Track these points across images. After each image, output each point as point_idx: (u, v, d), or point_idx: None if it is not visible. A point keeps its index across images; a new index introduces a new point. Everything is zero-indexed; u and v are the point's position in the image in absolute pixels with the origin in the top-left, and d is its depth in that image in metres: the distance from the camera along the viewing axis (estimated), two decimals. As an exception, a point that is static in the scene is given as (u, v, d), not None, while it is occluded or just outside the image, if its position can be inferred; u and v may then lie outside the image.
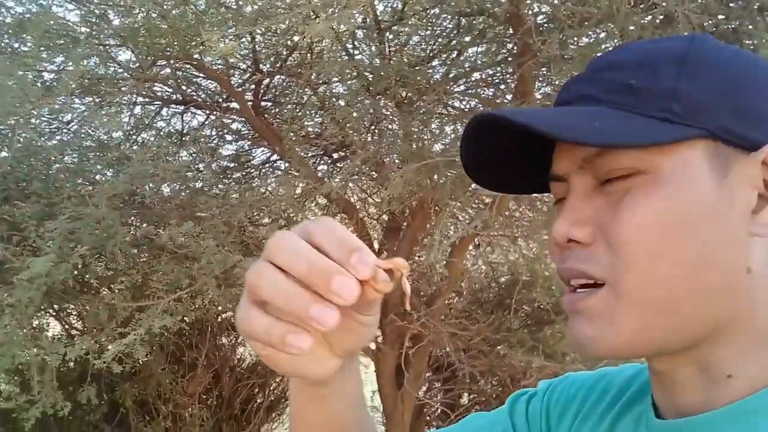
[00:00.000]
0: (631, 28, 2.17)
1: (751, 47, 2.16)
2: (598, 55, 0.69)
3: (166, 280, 3.15)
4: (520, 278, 4.83)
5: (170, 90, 4.35)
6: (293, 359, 0.57)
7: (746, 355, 0.58)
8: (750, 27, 2.32)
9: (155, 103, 4.43)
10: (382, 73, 3.30)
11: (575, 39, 2.50)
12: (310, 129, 4.41)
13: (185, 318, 3.34)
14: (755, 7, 2.28)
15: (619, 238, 0.57)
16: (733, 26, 2.35)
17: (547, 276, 4.83)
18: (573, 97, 0.64)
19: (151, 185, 3.73)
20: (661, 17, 2.25)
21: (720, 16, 2.30)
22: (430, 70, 3.71)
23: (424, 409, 5.05)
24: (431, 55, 3.78)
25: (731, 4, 2.32)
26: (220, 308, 4.65)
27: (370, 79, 3.76)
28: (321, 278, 0.50)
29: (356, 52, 3.92)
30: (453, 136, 3.91)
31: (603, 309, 0.58)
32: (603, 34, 2.71)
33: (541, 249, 5.04)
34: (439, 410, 5.03)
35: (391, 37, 3.79)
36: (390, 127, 3.96)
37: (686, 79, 0.58)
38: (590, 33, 2.61)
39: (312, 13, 2.57)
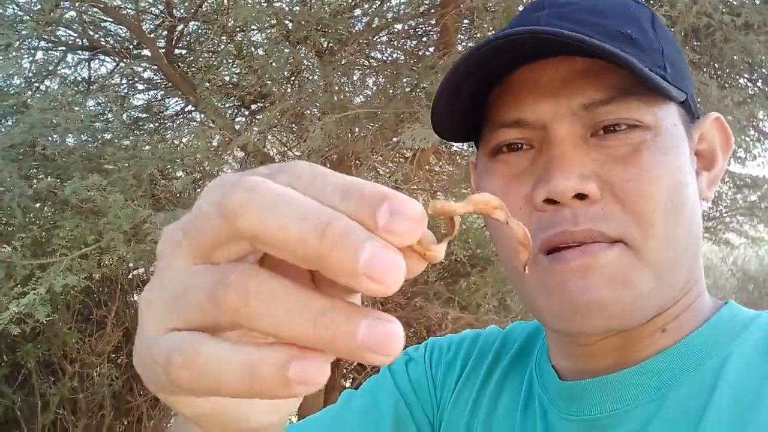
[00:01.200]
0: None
1: (668, 1, 2.21)
2: None
3: (70, 236, 2.98)
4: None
5: (75, 35, 4.07)
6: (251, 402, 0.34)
7: (682, 310, 0.59)
8: None
9: (59, 48, 4.14)
10: (302, 21, 3.19)
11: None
12: (226, 79, 4.24)
13: (92, 275, 3.18)
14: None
15: (644, 196, 0.53)
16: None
17: (463, 229, 4.92)
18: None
19: (54, 136, 3.50)
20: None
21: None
22: (352, 20, 3.62)
23: (340, 361, 5.10)
24: (353, 4, 3.69)
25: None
26: (130, 265, 4.49)
27: (290, 27, 3.63)
28: (344, 247, 0.25)
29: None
30: (374, 88, 3.86)
31: (621, 267, 0.53)
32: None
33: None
34: (354, 362, 5.09)
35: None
36: (310, 77, 3.86)
37: (663, 41, 0.58)
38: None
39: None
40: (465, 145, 4.72)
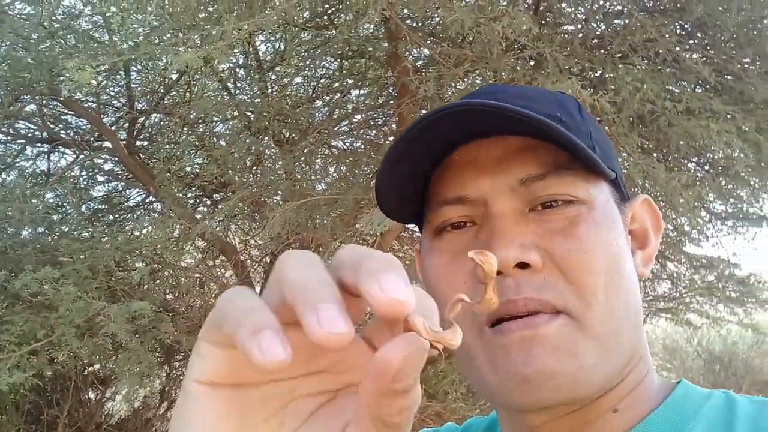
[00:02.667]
0: (503, 74, 2.26)
1: (612, 89, 2.32)
2: (470, 93, 0.65)
3: (19, 332, 2.87)
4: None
5: (35, 128, 4.08)
6: None
7: (632, 388, 0.58)
8: (611, 75, 2.48)
9: (18, 141, 4.13)
10: (263, 112, 3.25)
11: (452, 83, 2.57)
12: (188, 169, 4.26)
13: (42, 373, 3.05)
14: (617, 55, 2.45)
15: (583, 266, 0.54)
16: (598, 73, 2.50)
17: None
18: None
19: (8, 229, 3.44)
20: (532, 62, 2.36)
21: (586, 63, 2.44)
22: (313, 111, 3.70)
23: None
24: (314, 96, 3.78)
25: (596, 52, 2.48)
26: (84, 361, 4.33)
27: (251, 118, 3.70)
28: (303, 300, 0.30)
29: (237, 91, 3.86)
30: (336, 175, 3.91)
31: (566, 338, 0.53)
32: (479, 80, 2.81)
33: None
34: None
35: (273, 77, 3.76)
36: (271, 166, 3.89)
37: (590, 126, 0.60)
38: (465, 78, 2.70)
39: (184, 46, 2.49)
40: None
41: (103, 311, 2.99)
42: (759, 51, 2.24)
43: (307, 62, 3.68)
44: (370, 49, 3.42)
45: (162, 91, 3.73)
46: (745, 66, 2.29)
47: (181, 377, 5.26)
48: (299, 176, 3.64)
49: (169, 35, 3.18)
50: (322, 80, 3.88)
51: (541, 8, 2.39)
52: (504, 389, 0.55)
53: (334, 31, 3.27)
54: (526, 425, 0.59)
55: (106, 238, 3.89)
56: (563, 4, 2.54)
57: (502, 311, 0.54)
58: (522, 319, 0.53)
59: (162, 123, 4.07)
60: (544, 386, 0.53)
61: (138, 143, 4.07)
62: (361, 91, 3.72)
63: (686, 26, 2.49)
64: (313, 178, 3.89)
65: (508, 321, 0.54)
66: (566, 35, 2.56)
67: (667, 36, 2.22)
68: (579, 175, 0.57)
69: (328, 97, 3.97)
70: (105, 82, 3.70)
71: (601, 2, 2.54)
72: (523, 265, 0.54)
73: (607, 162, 0.58)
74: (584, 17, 2.42)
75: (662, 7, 2.44)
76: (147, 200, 4.43)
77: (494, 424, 0.71)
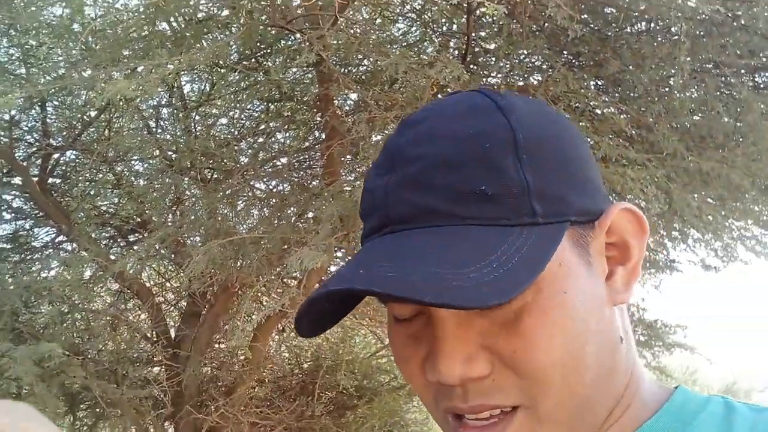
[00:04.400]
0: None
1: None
2: (396, 139, 0.59)
3: None
4: (323, 363, 4.79)
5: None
6: None
7: (620, 413, 0.58)
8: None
9: None
10: (186, 151, 3.22)
11: (383, 125, 2.65)
12: (103, 208, 4.12)
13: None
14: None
15: (533, 364, 0.51)
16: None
17: (349, 360, 4.86)
18: (416, 213, 0.53)
19: None
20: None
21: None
22: (237, 152, 3.70)
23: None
24: (239, 136, 3.78)
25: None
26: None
27: (174, 157, 3.65)
28: None
29: (159, 130, 3.81)
30: (258, 218, 3.89)
31: None
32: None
33: (344, 333, 5.08)
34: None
35: (197, 117, 3.74)
36: (192, 207, 3.83)
37: (530, 169, 0.53)
38: (395, 121, 2.79)
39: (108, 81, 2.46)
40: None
41: (8, 353, 2.81)
42: (668, 106, 2.45)
43: (233, 104, 3.69)
44: (297, 92, 3.48)
45: (80, 127, 3.63)
46: (657, 119, 2.47)
47: (85, 428, 4.95)
48: (221, 217, 3.60)
49: (90, 71, 3.12)
50: (248, 122, 3.89)
51: (468, 58, 2.53)
52: None
53: (262, 74, 3.32)
54: None
55: (10, 278, 3.69)
56: (489, 55, 2.70)
57: (454, 411, 0.54)
58: (476, 428, 0.53)
59: (78, 160, 3.94)
60: None
61: (51, 180, 3.91)
62: (288, 134, 3.76)
63: (603, 81, 2.69)
64: (235, 219, 3.86)
65: (463, 425, 0.54)
66: (492, 85, 2.71)
67: (585, 89, 2.40)
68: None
69: (252, 139, 3.98)
70: (19, 115, 3.57)
71: (524, 56, 2.72)
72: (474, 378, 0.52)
73: (558, 210, 0.53)
74: (509, 68, 2.58)
75: (581, 62, 2.63)
76: (57, 240, 4.24)
77: None
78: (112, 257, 4.05)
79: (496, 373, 0.52)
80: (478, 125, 0.54)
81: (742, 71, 2.47)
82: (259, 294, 4.15)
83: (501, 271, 0.49)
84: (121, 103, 3.27)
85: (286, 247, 3.18)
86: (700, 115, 2.60)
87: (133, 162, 3.95)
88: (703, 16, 1.95)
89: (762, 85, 2.59)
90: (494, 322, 0.52)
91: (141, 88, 2.12)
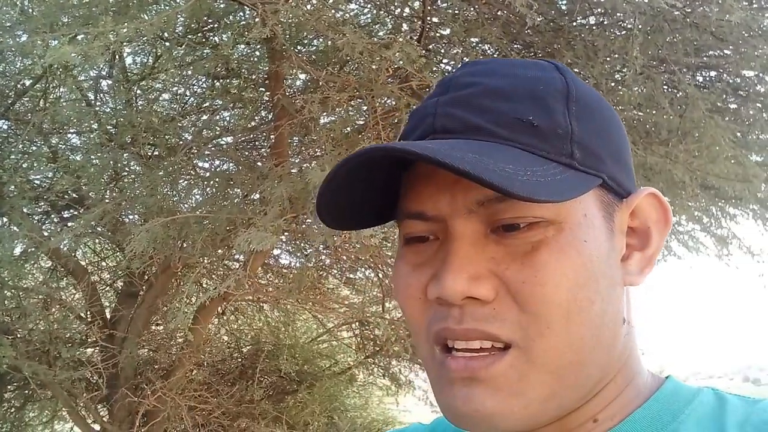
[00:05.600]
0: (388, 101, 2.33)
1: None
2: (453, 77, 0.60)
3: None
4: (264, 347, 4.74)
5: None
6: None
7: (612, 397, 0.57)
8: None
9: None
10: (128, 125, 3.10)
11: (337, 107, 2.61)
12: (37, 182, 3.94)
13: None
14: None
15: (538, 298, 0.50)
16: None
17: (290, 344, 4.83)
18: (458, 127, 0.54)
19: None
20: (414, 89, 2.44)
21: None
22: (180, 130, 3.59)
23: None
24: (183, 113, 3.67)
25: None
26: None
27: (113, 132, 3.51)
28: None
29: (99, 103, 3.65)
30: (199, 197, 3.79)
31: (511, 377, 0.51)
32: (364, 108, 2.86)
33: (286, 316, 5.04)
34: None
35: (139, 92, 3.61)
36: (133, 183, 3.71)
37: (576, 120, 0.54)
38: (349, 103, 2.76)
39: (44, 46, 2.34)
40: (293, 261, 4.73)
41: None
42: (615, 99, 2.49)
43: (178, 79, 3.57)
44: (245, 69, 3.39)
45: (13, 96, 3.45)
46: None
47: (13, 410, 4.77)
48: (162, 195, 3.50)
49: (27, 36, 2.97)
50: (192, 99, 3.78)
51: (422, 42, 2.51)
52: (447, 415, 0.55)
53: (209, 49, 3.22)
54: None
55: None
56: (443, 41, 2.69)
57: (443, 335, 0.53)
58: (464, 359, 0.52)
59: (11, 131, 3.75)
60: (482, 424, 0.52)
61: (-20, 150, 3.71)
62: (234, 112, 3.67)
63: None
64: (176, 198, 3.75)
65: (452, 357, 0.53)
66: (447, 70, 2.71)
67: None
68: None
69: (196, 117, 3.87)
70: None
71: (476, 43, 2.72)
72: (474, 297, 0.52)
73: (592, 164, 0.54)
74: (462, 54, 2.58)
75: (534, 52, 2.65)
76: (-15, 214, 4.03)
77: None
78: (45, 233, 3.88)
79: (498, 302, 0.52)
80: (537, 73, 0.57)
81: (686, 69, 2.54)
82: (200, 276, 4.06)
83: (549, 179, 0.50)
84: (58, 73, 3.13)
85: (230, 228, 3.11)
86: (646, 110, 2.66)
87: (69, 135, 3.78)
88: (657, 10, 1.98)
89: (704, 84, 2.68)
90: (509, 251, 0.52)
91: (83, 55, 2.02)
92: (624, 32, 2.33)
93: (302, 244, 4.27)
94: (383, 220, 0.63)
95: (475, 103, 0.55)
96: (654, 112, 2.63)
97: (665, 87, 2.58)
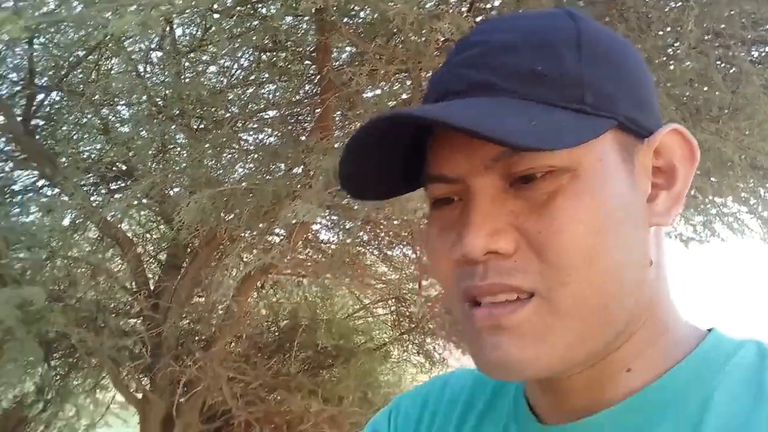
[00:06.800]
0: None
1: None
2: (466, 37, 0.61)
3: None
4: (301, 321, 4.81)
5: None
6: None
7: (645, 346, 0.57)
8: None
9: None
10: (176, 98, 3.16)
11: (384, 80, 2.62)
12: (86, 154, 4.04)
13: None
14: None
15: (555, 246, 0.51)
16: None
17: (327, 320, 4.89)
18: (467, 87, 0.55)
19: None
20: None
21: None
22: (227, 102, 3.64)
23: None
24: (229, 86, 3.72)
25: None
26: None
27: (161, 104, 3.58)
28: None
29: (148, 75, 3.72)
30: (242, 171, 3.85)
31: (535, 324, 0.52)
32: (409, 82, 2.86)
33: (324, 292, 5.10)
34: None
35: (188, 64, 3.67)
36: (180, 155, 3.78)
37: (587, 64, 0.54)
38: (396, 76, 2.76)
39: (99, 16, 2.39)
40: (332, 237, 4.78)
41: (-9, 294, 2.77)
42: (667, 74, 2.45)
43: (226, 52, 3.62)
44: (291, 42, 3.42)
45: (67, 67, 3.53)
46: (655, 86, 2.48)
47: (57, 377, 4.92)
48: (207, 168, 3.56)
49: (82, 7, 3.03)
50: (239, 72, 3.83)
51: (474, 11, 2.50)
52: (478, 366, 0.56)
53: (256, 21, 3.25)
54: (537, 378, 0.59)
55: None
56: (492, 12, 2.67)
57: (470, 294, 0.54)
58: (488, 307, 0.53)
59: (63, 102, 3.84)
60: (511, 371, 0.53)
61: (35, 122, 3.81)
62: (279, 85, 3.70)
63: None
64: (220, 172, 3.82)
65: (476, 308, 0.54)
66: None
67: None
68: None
69: (241, 90, 3.91)
70: (4, 52, 3.46)
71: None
72: (494, 251, 0.53)
73: (606, 107, 0.54)
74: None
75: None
76: (38, 184, 4.16)
77: None
78: (94, 204, 3.98)
79: (519, 254, 0.53)
80: (545, 22, 0.57)
81: (741, 43, 2.48)
82: (243, 249, 4.13)
83: (557, 126, 0.51)
84: (111, 45, 3.19)
85: (275, 201, 3.16)
86: (697, 85, 2.62)
87: (120, 107, 3.87)
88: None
89: (759, 59, 2.62)
90: (527, 203, 0.53)
91: (142, 25, 2.07)
92: (680, 4, 2.30)
93: (342, 221, 4.31)
94: (413, 187, 0.64)
95: (483, 61, 0.55)
96: (705, 88, 2.59)
97: (718, 62, 2.53)
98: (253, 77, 3.65)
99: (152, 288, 4.22)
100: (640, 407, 0.55)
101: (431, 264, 0.59)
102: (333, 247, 4.53)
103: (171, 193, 3.94)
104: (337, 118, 3.58)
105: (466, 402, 0.72)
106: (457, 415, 0.71)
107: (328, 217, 4.46)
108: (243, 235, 3.50)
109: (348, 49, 3.13)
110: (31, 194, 4.11)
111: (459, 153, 0.55)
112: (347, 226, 4.25)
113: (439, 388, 0.76)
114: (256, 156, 3.53)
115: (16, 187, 4.16)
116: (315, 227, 4.63)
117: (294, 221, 2.55)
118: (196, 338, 4.44)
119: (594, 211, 0.52)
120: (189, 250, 4.15)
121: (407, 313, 5.01)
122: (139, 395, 4.16)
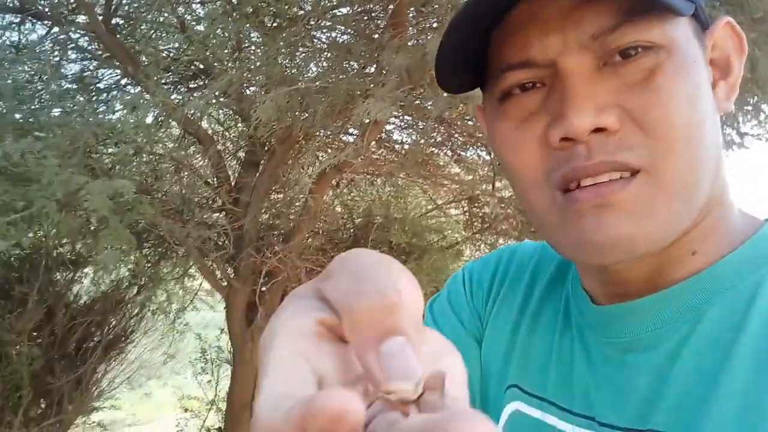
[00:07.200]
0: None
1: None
2: None
3: (-1, 202, 2.83)
4: (375, 219, 4.92)
5: (4, -6, 3.86)
6: None
7: (710, 230, 0.58)
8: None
9: (-15, 9, 3.91)
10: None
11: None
12: (165, 53, 4.12)
13: (21, 243, 3.03)
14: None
15: (662, 120, 0.51)
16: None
17: (401, 218, 4.98)
18: None
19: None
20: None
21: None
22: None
23: None
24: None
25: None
26: (57, 241, 4.30)
27: (235, 2, 3.57)
28: None
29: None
30: (315, 69, 3.85)
31: (642, 200, 0.52)
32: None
33: (397, 191, 5.17)
34: None
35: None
36: (255, 54, 3.80)
37: None
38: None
39: None
40: (406, 137, 4.78)
41: (85, 186, 2.95)
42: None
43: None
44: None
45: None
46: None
47: (149, 265, 5.28)
48: (282, 66, 3.57)
49: None
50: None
51: None
52: (576, 252, 0.56)
53: None
54: (603, 270, 0.61)
55: (79, 119, 3.79)
56: None
57: (572, 176, 0.54)
58: (593, 187, 0.53)
59: (140, 1, 3.89)
60: (616, 250, 0.53)
61: (114, 20, 3.90)
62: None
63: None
64: (294, 70, 3.83)
65: (578, 190, 0.54)
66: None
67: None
68: (655, 18, 0.52)
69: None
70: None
71: None
72: (599, 129, 0.52)
73: None
74: None
75: None
76: (121, 82, 4.30)
77: None
78: (175, 102, 4.10)
79: (623, 131, 0.53)
80: None
81: None
82: (317, 147, 4.20)
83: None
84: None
85: (348, 99, 3.17)
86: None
87: (195, 5, 3.89)
88: None
89: None
90: (626, 80, 0.53)
91: None
92: None
93: (416, 120, 4.29)
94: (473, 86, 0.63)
95: None
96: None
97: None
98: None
99: (233, 184, 4.39)
100: (696, 289, 0.57)
101: (508, 158, 0.59)
102: (406, 147, 4.54)
103: (248, 91, 4.01)
104: (410, 15, 3.49)
105: (532, 274, 0.75)
106: (523, 288, 0.75)
107: (401, 117, 4.45)
108: (318, 134, 3.56)
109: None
110: (115, 92, 4.26)
111: (551, 32, 0.54)
112: (420, 126, 4.23)
113: (508, 257, 0.79)
114: (329, 54, 3.51)
115: (101, 85, 4.33)
116: (388, 127, 4.63)
117: (367, 120, 2.56)
118: (276, 232, 4.63)
119: (692, 87, 0.53)
120: (266, 148, 4.25)
121: (480, 214, 5.03)
122: (224, 283, 4.42)
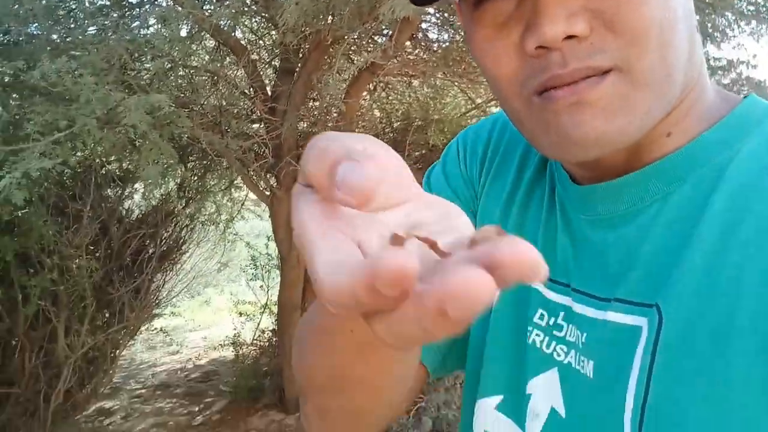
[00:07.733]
0: None
1: None
2: None
3: (42, 122, 2.91)
4: (413, 122, 4.89)
5: None
6: None
7: (685, 112, 0.59)
8: None
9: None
10: None
11: None
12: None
13: (67, 162, 3.13)
14: None
15: (631, 20, 0.52)
16: None
17: (438, 119, 4.93)
18: None
19: (13, 25, 3.36)
20: None
21: None
22: None
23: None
24: None
25: None
26: (104, 158, 4.44)
27: None
28: None
29: None
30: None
31: (616, 96, 0.53)
32: None
33: (435, 92, 5.10)
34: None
35: None
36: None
37: None
38: None
39: None
40: (441, 36, 4.65)
41: (123, 102, 3.01)
42: None
43: None
44: None
45: None
46: None
47: (195, 178, 5.43)
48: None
49: None
50: None
51: None
52: (556, 151, 0.57)
53: None
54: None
55: (114, 35, 3.81)
56: None
57: (549, 84, 0.54)
58: (568, 86, 0.53)
59: None
60: (595, 145, 0.54)
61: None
62: None
63: None
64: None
65: (554, 89, 0.54)
66: None
67: None
68: None
69: None
70: None
71: None
72: (572, 36, 0.52)
73: None
74: None
75: None
76: (152, -4, 4.27)
77: None
78: (207, 14, 4.07)
79: (594, 35, 0.53)
80: None
81: None
82: (349, 50, 4.13)
83: None
84: None
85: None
86: None
87: None
88: None
89: None
90: None
91: None
92: None
93: (452, 17, 4.15)
94: None
95: None
96: None
97: None
98: None
99: (269, 93, 4.39)
100: (668, 169, 0.58)
101: (485, 66, 0.59)
102: (443, 46, 4.43)
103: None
104: None
105: (527, 145, 0.76)
106: (517, 160, 0.76)
107: (438, 14, 4.32)
108: (347, 37, 3.49)
109: None
110: (147, 6, 4.24)
111: None
112: (457, 24, 4.10)
113: (502, 124, 0.80)
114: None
115: (133, 0, 4.31)
116: (423, 25, 4.51)
117: (394, 17, 2.50)
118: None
119: None
120: (300, 55, 4.21)
121: (520, 111, 4.92)
122: (267, 192, 4.52)
